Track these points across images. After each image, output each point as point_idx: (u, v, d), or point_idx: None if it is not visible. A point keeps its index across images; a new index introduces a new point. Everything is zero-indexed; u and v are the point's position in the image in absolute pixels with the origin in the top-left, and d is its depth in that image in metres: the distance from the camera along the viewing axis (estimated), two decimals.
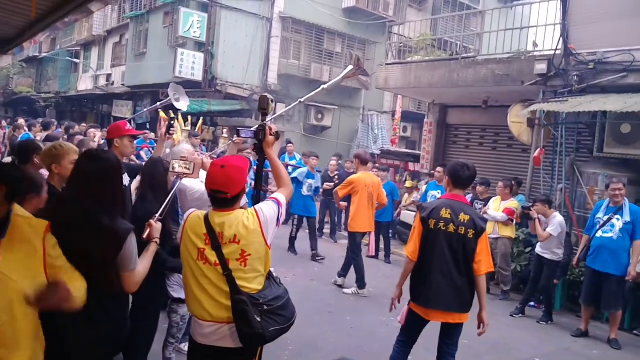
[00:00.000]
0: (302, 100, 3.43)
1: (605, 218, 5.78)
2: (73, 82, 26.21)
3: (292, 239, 8.61)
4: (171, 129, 4.60)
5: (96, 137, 7.02)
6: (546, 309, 6.44)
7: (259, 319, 2.33)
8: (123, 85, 20.32)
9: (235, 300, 2.34)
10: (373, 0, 17.19)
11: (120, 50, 22.04)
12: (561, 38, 7.70)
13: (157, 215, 2.80)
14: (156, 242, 2.66)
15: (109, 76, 22.46)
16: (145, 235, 2.63)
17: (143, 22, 18.82)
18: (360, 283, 6.61)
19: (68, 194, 2.42)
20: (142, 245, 2.57)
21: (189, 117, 10.65)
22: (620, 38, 7.09)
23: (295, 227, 8.67)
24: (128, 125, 4.08)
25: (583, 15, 7.61)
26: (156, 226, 2.69)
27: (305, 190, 8.54)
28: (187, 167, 3.09)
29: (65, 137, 7.68)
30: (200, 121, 10.83)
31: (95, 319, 2.29)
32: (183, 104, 6.54)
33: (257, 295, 2.38)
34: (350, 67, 3.36)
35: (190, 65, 15.35)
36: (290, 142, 12.26)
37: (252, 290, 2.38)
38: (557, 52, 7.75)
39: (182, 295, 3.74)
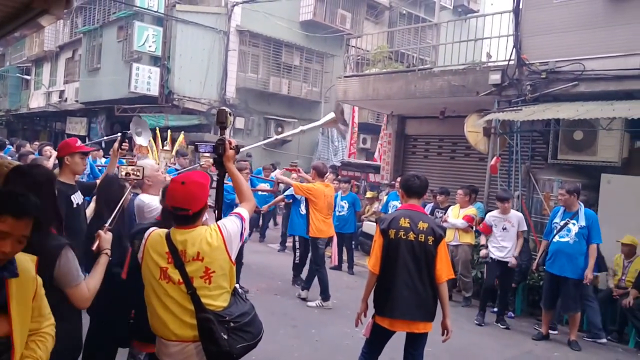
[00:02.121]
0: (277, 137, 3.80)
1: (562, 223, 5.93)
2: (24, 99, 25.32)
3: (298, 266, 7.49)
4: (123, 144, 4.44)
5: (52, 155, 6.57)
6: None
7: (225, 337, 2.29)
8: (77, 101, 19.79)
9: (201, 319, 2.29)
10: (330, 14, 17.37)
11: (73, 66, 21.47)
12: (514, 49, 7.92)
13: (107, 225, 2.70)
14: (107, 253, 2.57)
15: (61, 92, 21.82)
16: (94, 247, 2.56)
17: (96, 36, 18.40)
18: (325, 295, 6.52)
19: None
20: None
21: (168, 134, 10.40)
22: (571, 48, 7.36)
23: (298, 250, 7.40)
24: (78, 142, 3.98)
25: (535, 26, 7.88)
26: (105, 236, 2.61)
27: (303, 209, 7.27)
28: (136, 172, 3.02)
29: (16, 156, 7.33)
30: (181, 137, 10.52)
31: None
32: (144, 139, 6.47)
33: (222, 312, 2.34)
34: (332, 114, 3.41)
35: (146, 80, 15.06)
36: (250, 155, 12.12)
37: (217, 307, 2.33)
38: (511, 62, 7.97)
39: None
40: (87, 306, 2.36)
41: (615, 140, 7.11)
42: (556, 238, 5.92)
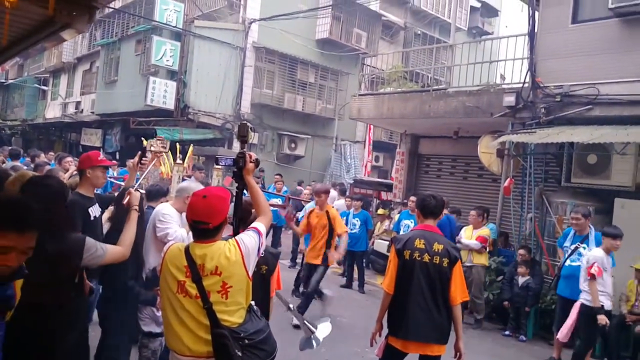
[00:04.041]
0: None
1: (573, 247, 5.91)
2: (40, 110, 25.72)
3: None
4: (144, 158, 4.52)
5: (71, 167, 6.50)
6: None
7: (240, 354, 2.28)
8: (92, 113, 20.05)
9: (216, 334, 2.29)
10: (346, 33, 17.58)
11: (90, 78, 21.80)
12: (529, 71, 7.98)
13: (136, 185, 3.08)
14: (136, 209, 2.92)
15: (78, 104, 22.15)
16: (125, 202, 2.91)
17: (114, 49, 18.73)
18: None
19: None
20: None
21: (177, 147, 10.46)
22: (586, 72, 7.39)
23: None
24: (101, 155, 4.02)
25: (549, 50, 7.93)
26: (135, 194, 2.97)
27: None
28: (164, 145, 3.26)
29: (32, 165, 7.46)
30: (191, 150, 10.55)
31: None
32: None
33: (238, 329, 2.34)
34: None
35: (162, 93, 15.30)
36: (262, 171, 12.20)
37: (233, 323, 2.34)
38: (525, 85, 8.02)
39: (154, 329, 3.65)
40: (128, 255, 2.73)
41: (629, 164, 7.10)
42: (568, 262, 5.90)
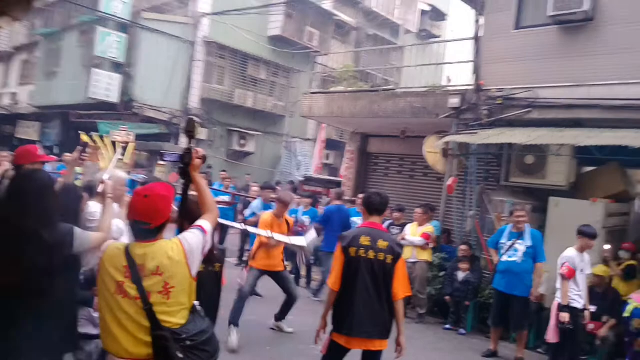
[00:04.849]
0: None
1: (509, 243, 6.16)
2: None
3: None
4: (83, 153, 4.36)
5: (3, 165, 5.72)
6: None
7: (181, 356, 2.24)
8: (30, 105, 19.12)
9: (156, 336, 2.24)
10: (298, 31, 17.58)
11: (28, 68, 20.83)
12: (473, 75, 8.26)
13: (106, 176, 3.23)
14: (110, 197, 3.04)
15: (14, 95, 21.04)
16: (99, 189, 3.04)
17: (56, 40, 17.94)
18: (234, 320, 5.62)
19: (4, 213, 2.55)
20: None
21: (117, 142, 10.08)
22: (526, 77, 7.73)
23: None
24: (39, 150, 3.83)
25: (493, 54, 8.22)
26: (109, 183, 3.09)
27: None
28: (129, 134, 3.27)
29: None
30: (131, 146, 10.17)
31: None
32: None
33: (179, 330, 2.29)
34: (305, 244, 3.56)
35: (106, 86, 14.81)
36: (210, 167, 12.02)
37: (174, 324, 2.29)
38: (469, 87, 8.29)
39: (90, 331, 3.51)
40: (109, 238, 2.76)
41: (563, 165, 7.45)
42: (505, 257, 6.13)
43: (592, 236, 5.48)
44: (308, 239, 6.28)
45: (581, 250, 5.50)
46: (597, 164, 7.49)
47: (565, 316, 5.27)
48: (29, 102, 19.29)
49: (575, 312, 5.35)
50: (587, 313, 5.56)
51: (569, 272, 5.36)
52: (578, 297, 5.41)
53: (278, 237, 5.68)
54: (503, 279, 6.10)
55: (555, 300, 5.58)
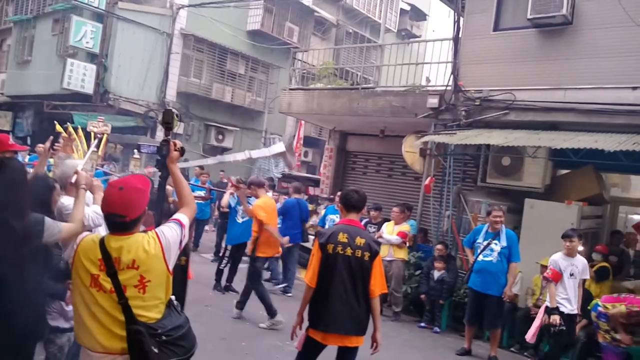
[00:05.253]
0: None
1: (485, 243, 6.22)
2: None
3: (220, 272, 7.57)
4: (56, 144, 4.23)
5: None
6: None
7: (156, 350, 2.20)
8: (2, 94, 18.60)
9: (131, 330, 2.20)
10: (278, 26, 17.47)
11: (0, 56, 20.20)
12: (452, 75, 8.31)
13: (81, 165, 3.19)
14: (84, 188, 3.01)
15: None
16: (73, 180, 2.98)
17: (29, 27, 17.46)
18: (271, 313, 6.15)
19: None
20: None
21: (93, 134, 9.81)
22: (504, 78, 7.82)
23: (226, 257, 7.55)
24: (10, 139, 3.71)
25: (472, 55, 8.30)
26: (83, 173, 3.04)
27: (239, 217, 7.45)
28: (106, 125, 3.21)
29: None
30: (105, 138, 9.89)
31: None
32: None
33: (155, 324, 2.25)
34: (282, 147, 3.50)
35: (81, 77, 14.46)
36: (186, 160, 11.86)
37: (150, 319, 2.25)
38: (448, 88, 8.34)
39: (61, 324, 3.43)
40: (80, 231, 2.66)
41: (539, 167, 7.57)
42: (480, 257, 6.19)
43: (564, 236, 5.51)
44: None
45: (567, 253, 5.49)
46: (572, 166, 7.61)
47: (555, 318, 5.26)
48: (1, 90, 18.76)
49: (562, 316, 5.35)
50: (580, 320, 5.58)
51: (553, 275, 5.39)
52: (565, 302, 5.39)
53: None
54: (478, 279, 6.16)
55: (545, 303, 5.59)
